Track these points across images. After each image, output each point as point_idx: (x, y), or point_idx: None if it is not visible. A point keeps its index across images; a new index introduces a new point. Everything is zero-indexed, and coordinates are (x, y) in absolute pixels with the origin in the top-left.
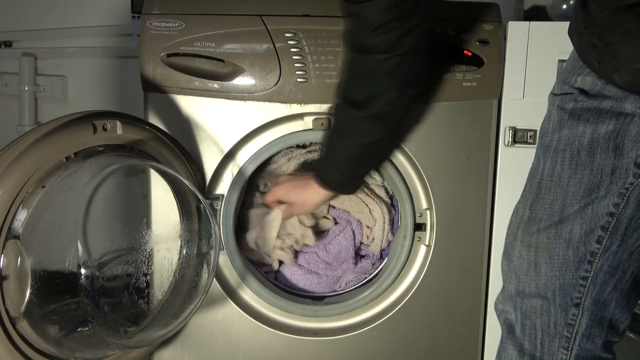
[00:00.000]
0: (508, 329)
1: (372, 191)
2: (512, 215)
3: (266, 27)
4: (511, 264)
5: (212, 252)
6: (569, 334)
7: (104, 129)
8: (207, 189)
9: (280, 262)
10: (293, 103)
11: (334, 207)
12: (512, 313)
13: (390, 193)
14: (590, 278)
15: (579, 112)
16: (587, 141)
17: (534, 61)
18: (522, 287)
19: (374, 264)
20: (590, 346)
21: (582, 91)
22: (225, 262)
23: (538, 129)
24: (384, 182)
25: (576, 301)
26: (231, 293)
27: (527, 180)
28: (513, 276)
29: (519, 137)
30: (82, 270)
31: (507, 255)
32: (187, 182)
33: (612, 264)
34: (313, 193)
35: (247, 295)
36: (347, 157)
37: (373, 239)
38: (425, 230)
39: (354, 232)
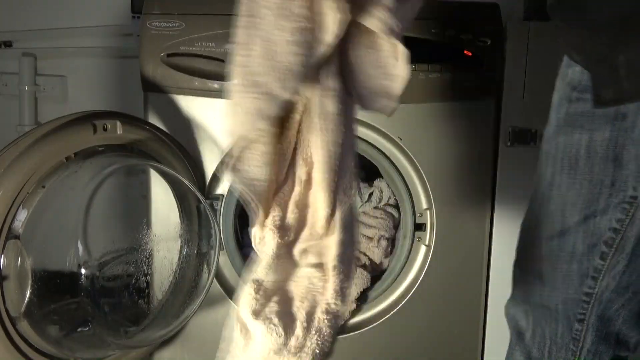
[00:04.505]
0: (517, 334)
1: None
2: (522, 222)
3: None
4: (521, 271)
5: (212, 252)
6: (575, 347)
7: (104, 129)
8: (207, 189)
9: None
10: None
11: None
12: (523, 320)
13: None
14: (594, 295)
15: (572, 117)
16: (584, 150)
17: (534, 61)
18: (529, 296)
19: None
20: None
21: (574, 87)
22: (225, 262)
23: (538, 129)
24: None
25: (580, 317)
26: (231, 293)
27: (533, 187)
28: (522, 283)
29: (519, 137)
30: (83, 270)
31: (517, 261)
32: (187, 182)
33: (621, 284)
34: None
35: None
36: None
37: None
38: (425, 230)
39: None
